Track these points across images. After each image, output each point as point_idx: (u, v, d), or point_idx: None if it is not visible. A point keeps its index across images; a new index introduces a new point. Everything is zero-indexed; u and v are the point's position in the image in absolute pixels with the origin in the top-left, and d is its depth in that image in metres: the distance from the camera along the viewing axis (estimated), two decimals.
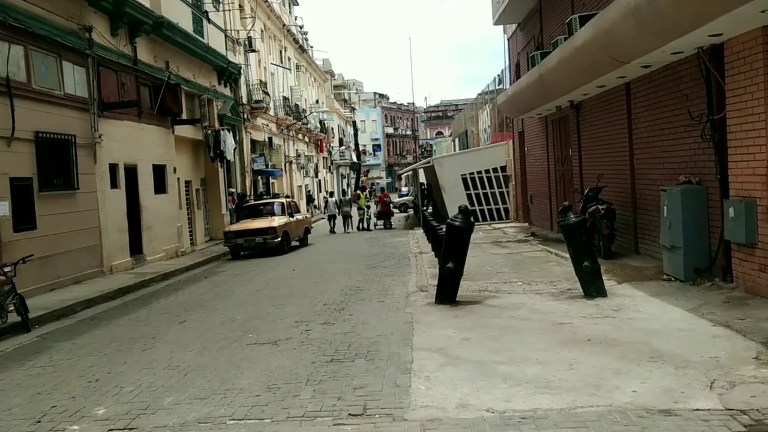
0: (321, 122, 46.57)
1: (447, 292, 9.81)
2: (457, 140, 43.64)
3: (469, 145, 36.98)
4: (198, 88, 21.63)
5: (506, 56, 24.51)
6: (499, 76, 28.42)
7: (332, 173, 55.13)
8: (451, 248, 9.71)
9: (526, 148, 22.30)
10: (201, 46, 21.22)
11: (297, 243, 20.88)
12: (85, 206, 14.36)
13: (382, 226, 27.55)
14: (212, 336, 8.54)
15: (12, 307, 9.75)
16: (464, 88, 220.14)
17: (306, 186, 41.44)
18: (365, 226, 27.42)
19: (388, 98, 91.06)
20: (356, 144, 66.86)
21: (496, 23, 22.10)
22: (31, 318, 10.03)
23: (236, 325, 9.16)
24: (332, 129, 53.06)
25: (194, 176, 22.52)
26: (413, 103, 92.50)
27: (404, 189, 53.71)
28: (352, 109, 69.13)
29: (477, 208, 24.62)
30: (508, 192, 25.12)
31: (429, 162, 26.90)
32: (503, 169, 25.16)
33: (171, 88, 18.26)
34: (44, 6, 12.88)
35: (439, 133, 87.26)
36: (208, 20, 22.09)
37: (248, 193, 26.67)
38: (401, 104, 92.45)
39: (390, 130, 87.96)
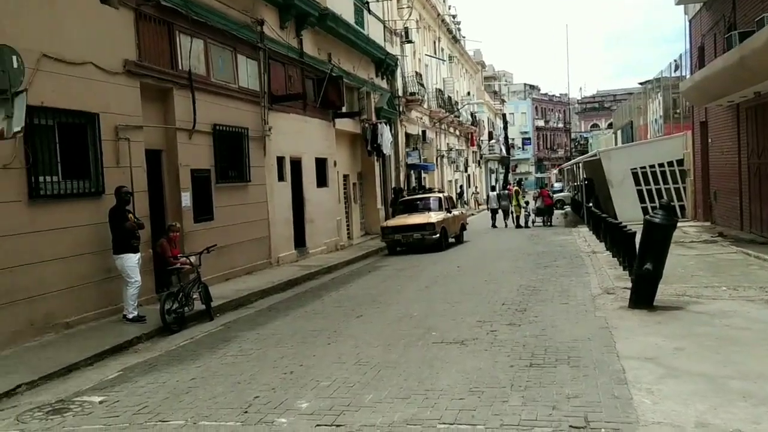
0: (472, 115, 45.80)
1: (643, 296, 8.87)
2: (619, 132, 41.15)
3: (634, 137, 34.64)
4: (357, 80, 21.68)
5: (687, 39, 22.45)
6: (676, 61, 26.24)
7: (481, 168, 54.20)
8: (649, 248, 8.75)
9: (709, 140, 20.29)
10: (362, 37, 21.23)
11: (453, 240, 20.34)
12: (255, 198, 14.66)
13: (541, 223, 26.38)
14: (393, 332, 8.20)
15: (197, 296, 9.98)
16: (622, 78, 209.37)
17: (456, 181, 40.90)
18: (523, 222, 26.39)
19: (539, 89, 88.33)
20: (506, 137, 65.34)
21: (678, 2, 20.24)
22: (212, 306, 10.22)
23: (415, 322, 8.77)
24: (482, 122, 52.11)
25: (351, 170, 22.64)
26: (566, 95, 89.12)
27: (557, 185, 51.55)
28: (502, 102, 67.64)
29: (648, 204, 22.80)
30: (684, 188, 23.10)
31: (595, 155, 25.37)
32: (679, 162, 23.17)
33: (333, 80, 18.34)
34: (222, 0, 13.20)
35: (595, 126, 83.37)
36: (369, 11, 22.08)
37: (403, 188, 26.53)
38: (553, 95, 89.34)
39: (540, 123, 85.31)
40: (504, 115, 68.52)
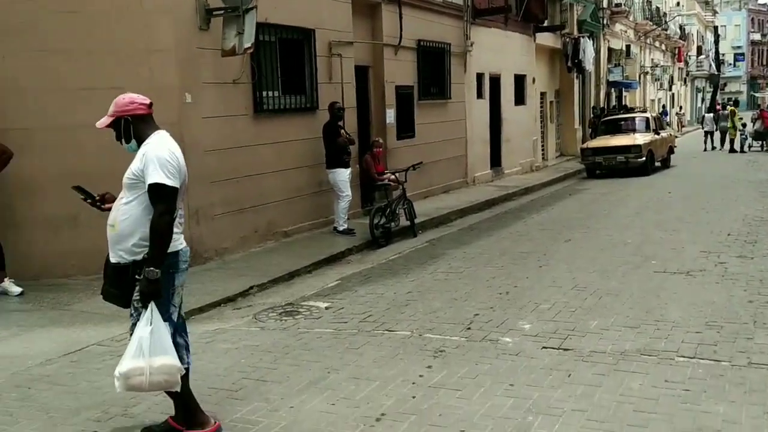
0: (681, 28, 41.63)
1: None
2: None
3: None
4: None
5: None
6: None
7: (686, 86, 49.58)
8: None
9: None
10: None
11: (659, 164, 18.89)
12: (454, 116, 14.51)
13: (759, 148, 23.73)
14: (608, 259, 7.81)
15: (402, 212, 10.16)
16: None
17: (659, 100, 37.83)
18: (737, 147, 23.89)
19: None
20: (716, 53, 58.94)
21: None
22: (416, 223, 10.38)
23: (630, 250, 8.29)
24: (691, 36, 47.28)
25: (549, 87, 21.66)
26: None
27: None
28: (714, 13, 60.71)
29: None
30: None
31: None
32: None
33: None
34: None
35: None
36: None
37: (603, 107, 25.01)
38: None
39: (756, 37, 75.82)
40: (715, 28, 61.52)
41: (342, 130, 9.92)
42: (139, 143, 3.62)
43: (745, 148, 23.84)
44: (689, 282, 6.62)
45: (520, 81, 18.01)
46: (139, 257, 3.50)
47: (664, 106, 38.00)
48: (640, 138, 17.64)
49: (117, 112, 3.64)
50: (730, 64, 74.08)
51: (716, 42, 61.13)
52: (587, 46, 21.26)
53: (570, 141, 23.00)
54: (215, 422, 3.81)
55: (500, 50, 16.51)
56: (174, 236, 3.52)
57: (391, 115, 12.21)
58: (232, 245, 8.68)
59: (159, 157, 3.45)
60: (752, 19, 75.89)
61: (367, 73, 11.88)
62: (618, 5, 26.08)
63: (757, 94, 43.78)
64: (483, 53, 15.42)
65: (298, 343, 5.39)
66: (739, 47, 74.57)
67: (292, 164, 9.76)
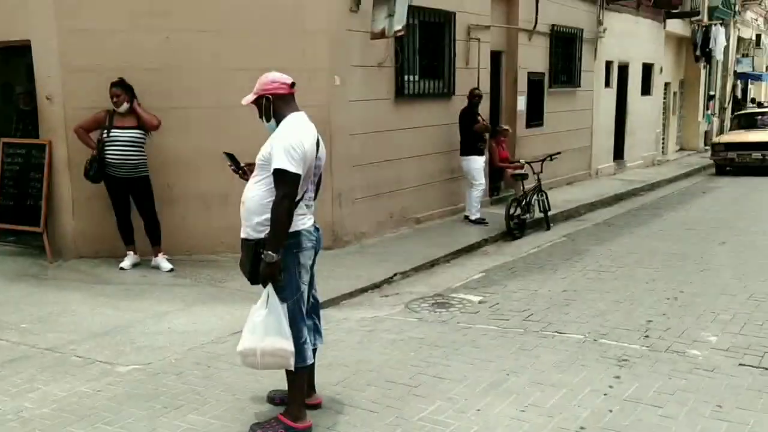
0: None
1: None
2: None
3: None
4: None
5: None
6: None
7: None
8: None
9: None
10: None
11: None
12: (582, 105, 13.95)
13: None
14: None
15: (536, 204, 9.82)
16: None
17: None
18: None
19: None
20: None
21: None
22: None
23: None
24: None
25: (674, 77, 20.55)
26: None
27: None
28: None
29: None
30: None
31: None
32: None
33: None
34: None
35: None
36: None
37: (727, 99, 23.60)
38: None
39: None
40: None
41: (479, 117, 9.66)
42: (278, 123, 3.64)
43: None
44: None
45: (647, 70, 17.15)
46: (263, 235, 3.54)
47: None
48: None
49: (259, 90, 3.68)
50: None
51: None
52: (719, 35, 20.01)
53: (692, 135, 21.83)
54: (309, 421, 3.74)
55: (630, 37, 15.72)
56: (297, 217, 3.56)
57: (522, 103, 11.83)
58: (369, 230, 8.61)
59: (285, 142, 3.47)
60: None
61: (500, 59, 11.53)
62: None
63: None
64: (613, 40, 14.72)
65: (465, 339, 5.21)
66: None
67: (428, 150, 9.59)
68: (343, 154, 7.99)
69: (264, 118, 3.72)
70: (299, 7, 7.70)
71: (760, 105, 21.93)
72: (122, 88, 6.87)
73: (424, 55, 9.44)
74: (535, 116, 12.32)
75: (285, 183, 3.46)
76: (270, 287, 3.55)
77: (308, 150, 3.57)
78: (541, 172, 9.89)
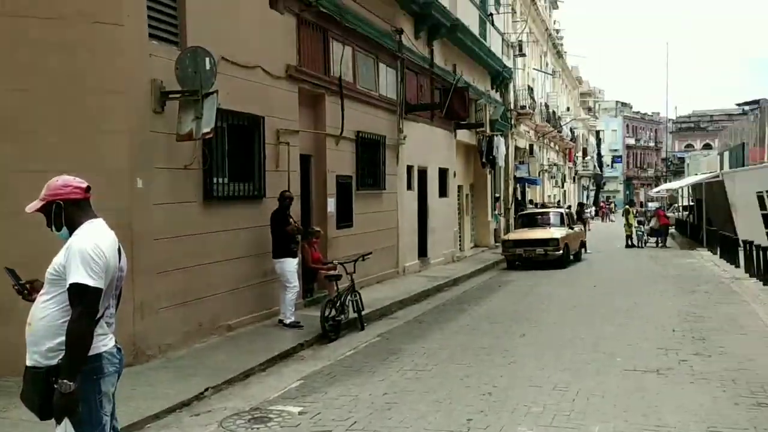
0: (571, 130, 44.71)
1: None
2: (726, 154, 39.10)
3: (746, 160, 32.79)
4: (476, 92, 21.34)
5: None
6: None
7: (575, 184, 52.82)
8: None
9: None
10: (484, 49, 20.94)
11: (572, 257, 19.61)
12: (387, 206, 14.53)
13: (654, 244, 25.24)
14: (574, 356, 7.79)
15: (350, 304, 9.82)
16: (716, 99, 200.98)
17: (554, 196, 39.91)
18: (634, 243, 25.34)
19: (630, 107, 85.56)
20: (598, 155, 63.67)
21: None
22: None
23: (589, 345, 8.34)
24: (579, 138, 50.80)
25: (465, 181, 22.30)
26: (658, 113, 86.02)
27: (651, 205, 49.32)
28: (595, 118, 65.95)
29: None
30: None
31: (717, 176, 24.13)
32: None
33: (459, 91, 18.04)
34: (368, 7, 13.15)
35: (689, 146, 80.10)
36: (492, 23, 21.75)
37: (510, 201, 26.02)
38: (645, 114, 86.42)
39: (631, 141, 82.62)
40: (597, 132, 66.73)
41: (291, 219, 9.62)
42: (72, 231, 3.29)
43: (643, 244, 25.30)
44: (664, 382, 6.65)
45: (443, 174, 18.45)
46: (55, 362, 3.12)
47: (558, 202, 40.04)
48: (557, 232, 18.34)
49: (48, 196, 3.32)
50: (608, 165, 79.98)
51: (598, 145, 66.13)
52: (500, 144, 22.24)
53: (484, 233, 23.62)
54: None
55: (427, 144, 16.91)
56: (97, 337, 3.17)
57: (332, 205, 12.04)
58: (175, 341, 8.00)
59: (83, 252, 3.13)
60: (627, 125, 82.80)
61: (310, 162, 11.72)
62: (523, 107, 27.69)
63: (654, 193, 46.65)
64: (412, 147, 15.71)
65: None
66: (616, 150, 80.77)
67: (239, 253, 9.30)
68: (146, 260, 7.44)
69: (54, 226, 3.33)
70: (98, 106, 7.26)
71: (536, 205, 24.48)
72: None
73: (233, 157, 9.29)
74: (344, 218, 12.56)
75: (84, 299, 3.08)
76: (66, 422, 3.06)
77: (110, 260, 3.22)
78: (354, 272, 9.99)
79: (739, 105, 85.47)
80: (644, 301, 11.88)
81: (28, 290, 3.44)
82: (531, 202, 28.60)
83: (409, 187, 15.92)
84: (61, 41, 7.03)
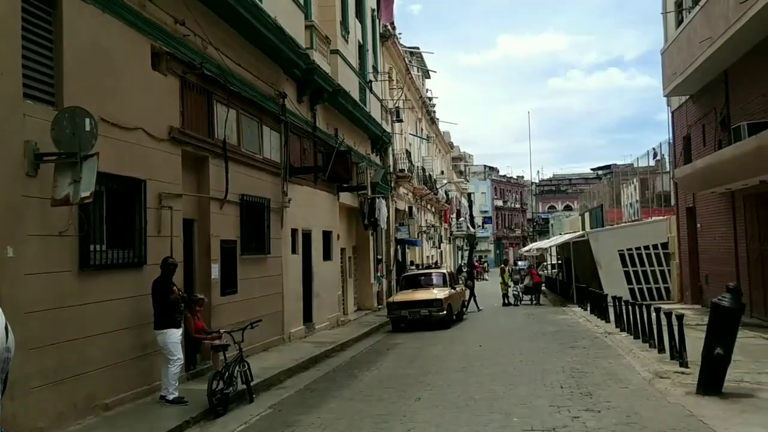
0: (446, 193, 46.32)
1: (714, 381, 8.70)
2: (587, 215, 41.96)
3: (605, 220, 35.34)
4: (357, 156, 21.67)
5: (671, 129, 23.34)
6: (655, 149, 27.13)
7: (451, 244, 54.46)
8: (718, 332, 8.66)
9: (698, 225, 20.80)
10: (365, 114, 21.41)
11: (454, 317, 19.98)
12: (272, 271, 14.21)
13: (529, 302, 26.29)
14: (471, 418, 7.79)
15: (238, 375, 9.37)
16: (568, 163, 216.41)
17: (432, 256, 40.86)
18: (510, 301, 26.28)
19: (497, 171, 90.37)
20: (471, 216, 66.26)
21: (668, 95, 21.21)
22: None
23: (486, 406, 8.39)
24: (453, 200, 52.69)
25: (347, 244, 22.33)
26: (523, 177, 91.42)
27: (521, 263, 51.69)
28: (466, 181, 68.92)
29: (636, 286, 23.27)
30: (669, 270, 23.56)
31: (582, 236, 25.70)
32: (664, 246, 23.69)
33: (341, 155, 18.23)
34: (252, 71, 13.11)
35: (552, 207, 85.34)
36: (371, 90, 22.35)
37: (392, 262, 26.32)
38: (510, 177, 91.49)
39: (499, 203, 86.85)
40: (469, 195, 69.63)
41: (174, 287, 9.14)
42: None
43: (518, 302, 26.26)
44: None
45: (327, 237, 18.39)
46: None
47: (436, 262, 41.09)
48: (440, 293, 18.65)
49: None
50: (479, 225, 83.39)
51: (470, 206, 68.91)
52: (382, 206, 22.57)
53: (367, 295, 23.62)
54: None
55: (311, 207, 16.84)
56: None
57: (216, 271, 11.59)
58: (48, 424, 7.26)
59: None
60: (495, 188, 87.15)
61: (193, 227, 11.29)
62: (402, 171, 28.41)
63: (529, 253, 48.66)
64: (297, 210, 15.58)
65: None
66: (486, 212, 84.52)
67: (118, 325, 8.67)
68: (17, 336, 6.69)
69: None
70: None
71: (418, 267, 24.93)
72: None
73: (112, 223, 8.77)
74: (229, 284, 12.12)
75: None
76: None
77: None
78: (243, 341, 9.58)
79: (593, 170, 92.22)
80: (530, 359, 12.20)
81: None
82: (412, 263, 29.09)
83: (294, 250, 15.69)
84: None
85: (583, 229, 36.50)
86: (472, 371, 11.16)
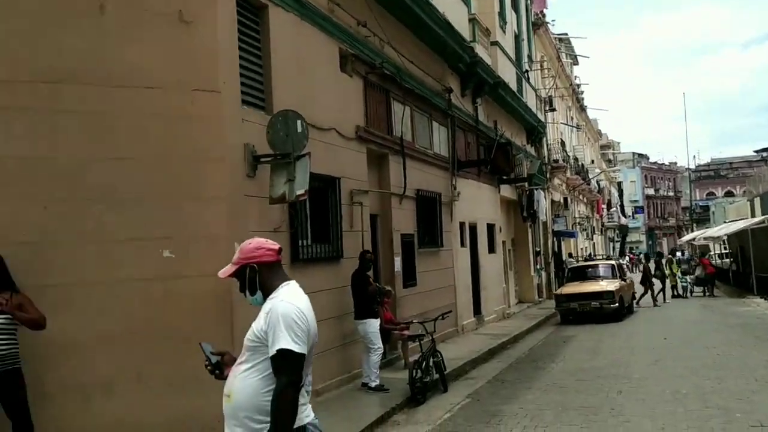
0: (598, 183, 44.72)
1: None
2: (757, 200, 38.85)
3: None
4: (515, 147, 21.43)
5: None
6: None
7: (602, 236, 52.49)
8: None
9: None
10: (522, 105, 21.15)
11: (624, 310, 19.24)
12: (445, 264, 14.39)
13: (702, 293, 24.78)
14: (688, 413, 7.48)
15: (432, 365, 9.59)
16: (724, 146, 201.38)
17: (585, 248, 39.60)
18: (680, 292, 24.88)
19: (647, 158, 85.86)
20: (621, 206, 63.46)
21: None
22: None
23: (698, 401, 8.03)
24: (604, 190, 50.77)
25: (507, 237, 22.15)
26: (675, 163, 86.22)
27: (681, 254, 48.65)
28: (616, 170, 66.12)
29: None
30: None
31: (762, 222, 23.81)
32: None
33: (501, 147, 18.13)
34: (422, 68, 13.33)
35: (711, 194, 79.85)
36: (527, 80, 22.03)
37: (549, 255, 25.81)
38: (662, 164, 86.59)
39: (650, 192, 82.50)
40: (619, 183, 66.74)
41: (370, 279, 9.52)
42: (266, 295, 3.21)
43: (688, 294, 24.83)
44: None
45: (491, 230, 18.37)
46: None
47: (590, 255, 39.68)
48: (610, 284, 18.04)
49: (241, 260, 3.27)
50: (629, 216, 79.65)
51: (621, 196, 65.99)
52: (540, 198, 22.22)
53: (527, 288, 23.32)
54: None
55: (475, 200, 16.88)
56: (301, 408, 3.02)
57: (398, 264, 11.92)
58: None
59: (285, 316, 3.02)
60: (645, 176, 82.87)
61: (376, 222, 11.67)
62: (556, 161, 27.78)
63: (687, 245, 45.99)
64: (463, 203, 15.67)
65: None
66: (636, 201, 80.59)
67: (322, 315, 8.92)
68: (245, 327, 7.29)
69: (248, 291, 3.25)
70: (195, 174, 7.21)
71: (576, 259, 24.23)
72: None
73: (314, 219, 9.27)
74: (409, 276, 12.42)
75: (288, 366, 2.94)
76: None
77: (311, 325, 3.12)
78: (435, 331, 9.79)
79: (757, 152, 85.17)
80: (726, 352, 11.53)
81: (219, 368, 3.30)
82: (570, 255, 28.33)
83: (462, 243, 15.80)
84: (162, 110, 7.05)
85: (753, 215, 33.84)
86: (665, 364, 10.71)
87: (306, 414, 3.09)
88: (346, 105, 10.24)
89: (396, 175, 12.01)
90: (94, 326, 6.55)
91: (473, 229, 16.74)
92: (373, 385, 9.15)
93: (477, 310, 16.63)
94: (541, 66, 27.20)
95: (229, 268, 3.28)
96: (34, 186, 6.49)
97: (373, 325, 9.30)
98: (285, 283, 3.24)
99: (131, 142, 6.97)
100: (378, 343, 9.27)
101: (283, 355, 2.94)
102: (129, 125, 6.95)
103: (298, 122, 7.78)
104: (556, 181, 29.21)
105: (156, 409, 6.70)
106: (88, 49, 6.68)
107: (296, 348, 2.96)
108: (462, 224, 15.82)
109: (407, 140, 12.58)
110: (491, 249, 18.33)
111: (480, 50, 16.19)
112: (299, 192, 7.69)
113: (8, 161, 6.39)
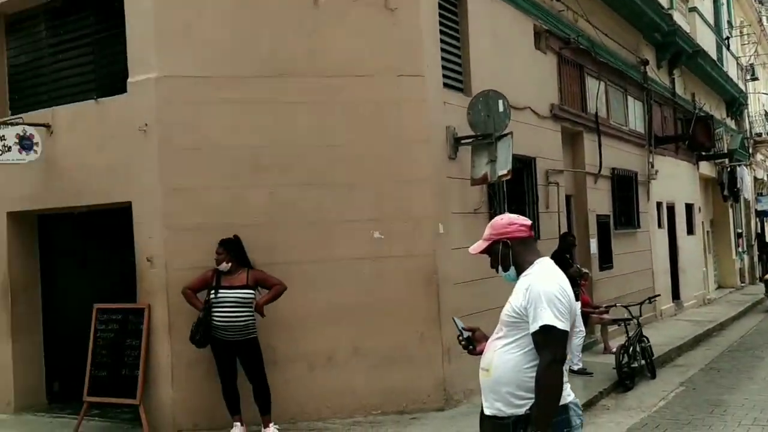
0: None
1: None
2: None
3: None
4: (714, 121, 19.80)
5: None
6: None
7: None
8: None
9: None
10: (722, 75, 19.49)
11: None
12: (642, 246, 13.69)
13: None
14: None
15: (639, 350, 9.18)
16: None
17: None
18: None
19: None
20: None
21: None
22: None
23: None
24: None
25: (705, 217, 20.57)
26: None
27: None
28: None
29: None
30: None
31: None
32: None
33: (701, 120, 16.84)
34: (616, 40, 12.69)
35: None
36: (727, 47, 20.27)
37: (752, 237, 23.67)
38: None
39: None
40: None
41: (571, 261, 9.28)
42: (519, 271, 3.12)
43: None
44: None
45: (689, 210, 17.22)
46: (521, 411, 2.91)
47: None
48: None
49: (494, 235, 3.22)
50: None
51: None
52: (744, 175, 20.41)
53: (728, 272, 21.58)
54: None
55: (672, 179, 15.85)
56: (564, 386, 2.93)
57: (594, 245, 11.52)
58: (476, 386, 7.84)
59: (547, 292, 2.92)
60: None
61: (569, 202, 11.35)
62: (759, 135, 25.33)
63: None
64: (661, 182, 14.76)
65: None
66: None
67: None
68: (450, 304, 7.45)
69: (501, 267, 3.23)
70: (401, 157, 7.44)
71: None
72: (225, 247, 6.45)
73: (510, 200, 9.19)
74: (605, 259, 11.97)
75: (552, 342, 2.89)
76: None
77: (572, 302, 3.04)
78: (641, 315, 9.36)
79: None
80: None
81: (471, 342, 3.34)
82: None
83: (660, 224, 14.91)
84: (371, 97, 7.33)
85: None
86: None
87: (567, 392, 3.05)
88: (540, 83, 10.04)
89: (591, 154, 11.59)
90: (315, 303, 7.01)
91: (671, 209, 15.74)
92: (576, 368, 8.91)
93: (675, 294, 15.65)
94: (741, 32, 24.80)
95: (480, 244, 3.30)
96: (260, 173, 7.04)
97: (577, 307, 9.06)
98: (539, 259, 3.20)
99: (344, 129, 7.33)
100: (580, 326, 9.01)
101: (547, 330, 2.90)
102: (342, 113, 7.31)
103: (500, 102, 7.73)
104: (759, 156, 26.60)
105: (371, 379, 7.08)
106: (305, 41, 7.10)
107: (560, 324, 2.92)
108: (659, 204, 14.93)
109: (602, 116, 12.07)
110: (690, 230, 17.14)
111: (678, 17, 15.12)
112: (502, 172, 7.65)
113: (237, 151, 6.98)
